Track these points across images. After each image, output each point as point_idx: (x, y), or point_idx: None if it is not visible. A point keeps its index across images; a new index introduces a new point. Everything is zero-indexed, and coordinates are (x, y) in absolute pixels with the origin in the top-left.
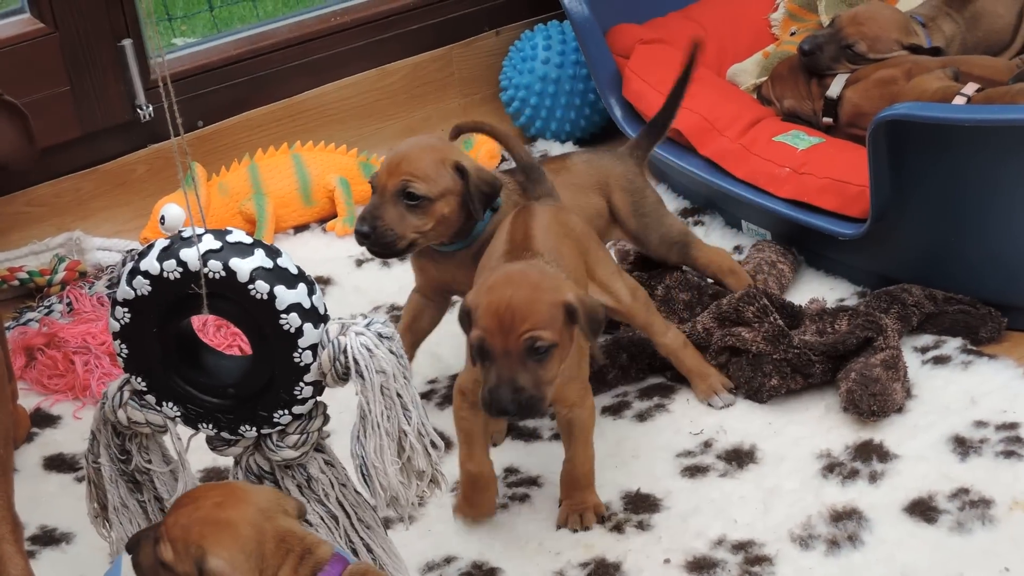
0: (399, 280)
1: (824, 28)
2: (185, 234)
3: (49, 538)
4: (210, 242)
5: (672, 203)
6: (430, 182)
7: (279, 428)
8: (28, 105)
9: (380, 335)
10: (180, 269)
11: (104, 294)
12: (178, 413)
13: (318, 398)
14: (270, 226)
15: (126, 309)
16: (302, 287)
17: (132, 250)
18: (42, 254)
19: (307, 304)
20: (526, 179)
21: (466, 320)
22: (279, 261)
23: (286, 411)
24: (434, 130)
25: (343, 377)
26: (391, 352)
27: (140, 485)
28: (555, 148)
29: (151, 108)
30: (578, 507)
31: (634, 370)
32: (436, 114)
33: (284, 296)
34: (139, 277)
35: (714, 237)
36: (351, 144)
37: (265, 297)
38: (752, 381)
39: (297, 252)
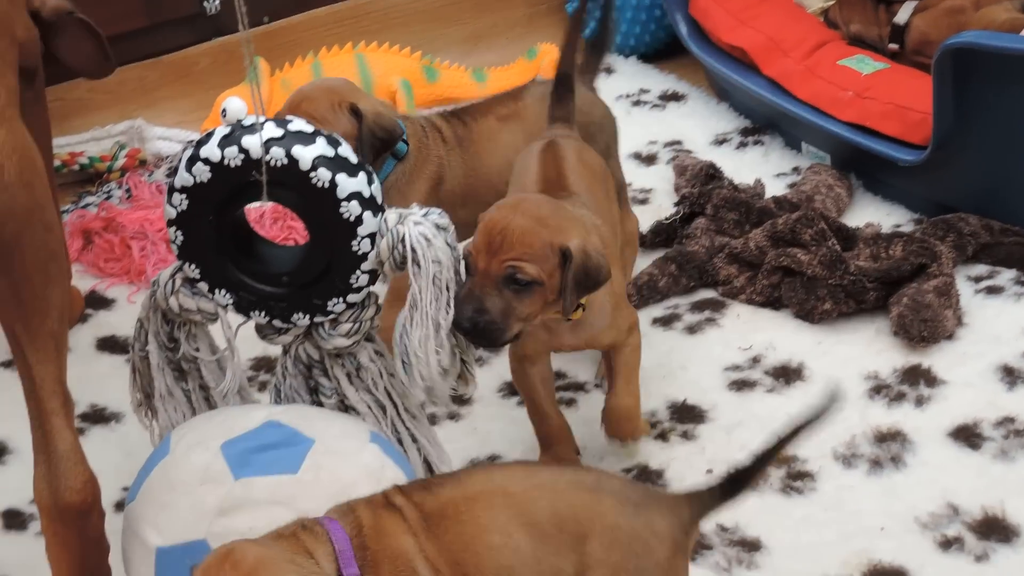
0: None
1: None
2: (247, 122)
3: (99, 416)
4: (272, 130)
5: (733, 122)
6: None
7: (332, 317)
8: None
9: (437, 225)
10: (242, 156)
11: (163, 182)
12: (230, 301)
13: (372, 287)
14: None
15: (184, 195)
16: (362, 176)
17: (192, 140)
18: (103, 140)
19: (367, 193)
20: (553, 90)
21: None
22: (340, 150)
23: (340, 299)
24: (498, 40)
25: (400, 266)
26: (447, 244)
27: (185, 374)
28: (618, 62)
29: (217, 1)
30: (623, 438)
31: (684, 279)
32: (502, 22)
33: (345, 184)
34: (199, 164)
35: (773, 158)
36: (415, 47)
37: (326, 185)
38: (805, 303)
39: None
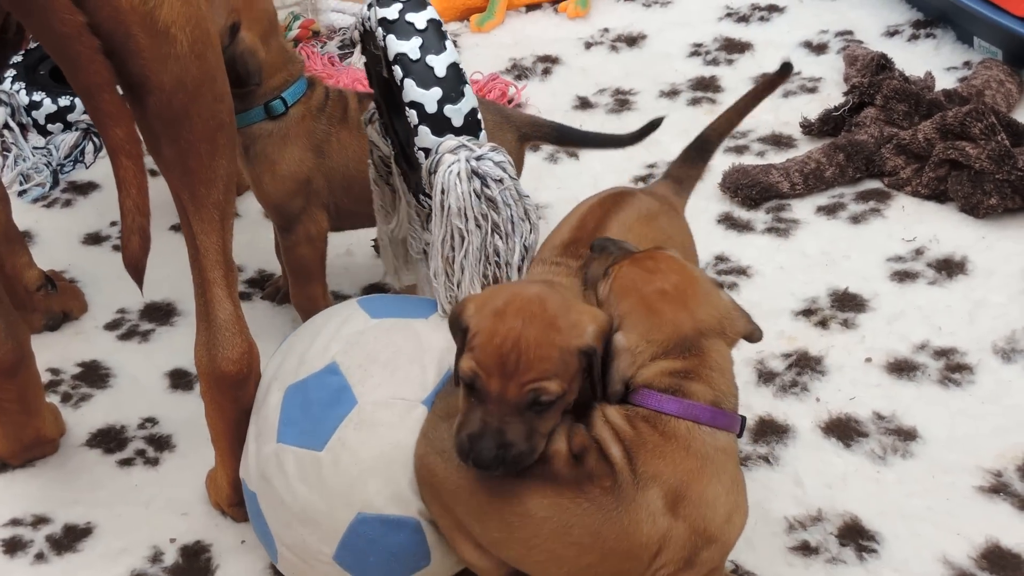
0: (626, 65)
1: None
2: None
3: (266, 282)
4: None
5: (904, 14)
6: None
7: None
8: None
9: (475, 172)
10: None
11: (335, 54)
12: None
13: None
14: (503, 2)
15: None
16: (435, 91)
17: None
18: (279, 11)
19: (432, 109)
20: (686, 148)
21: (458, 334)
22: (429, 59)
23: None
24: None
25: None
26: (472, 192)
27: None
28: None
29: None
30: None
31: (851, 169)
32: None
33: (410, 89)
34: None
35: (944, 51)
36: None
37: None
38: (971, 197)
39: (527, 30)
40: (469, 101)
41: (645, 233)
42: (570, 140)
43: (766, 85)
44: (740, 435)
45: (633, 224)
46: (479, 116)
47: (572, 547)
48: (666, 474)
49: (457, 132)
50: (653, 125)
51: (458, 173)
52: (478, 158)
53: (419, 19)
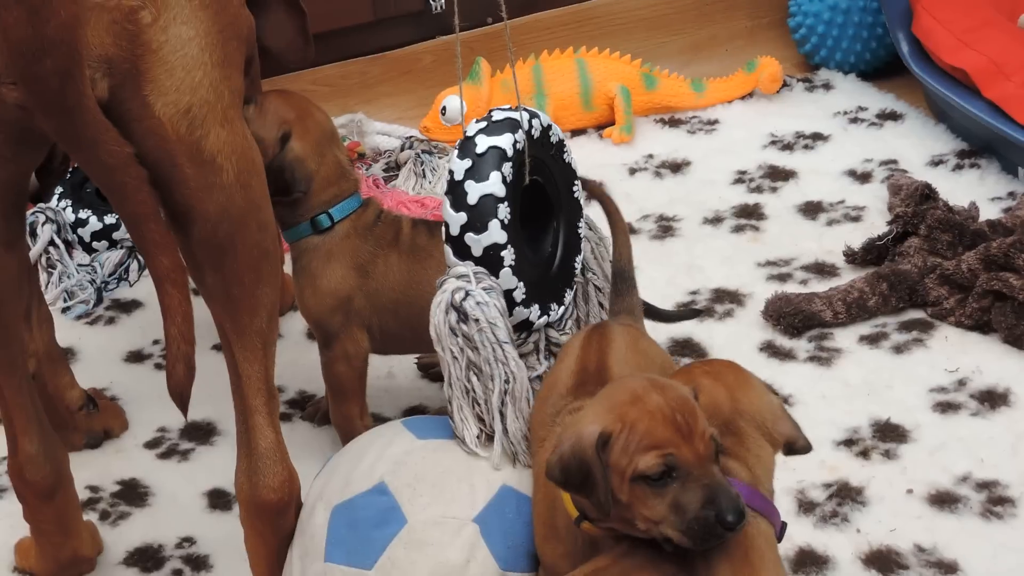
0: (670, 191)
1: None
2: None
3: (306, 404)
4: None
5: (950, 144)
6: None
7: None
8: None
9: (454, 306)
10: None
11: (380, 176)
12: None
13: None
14: None
15: None
16: (461, 215)
17: (411, 136)
18: None
19: (455, 232)
20: (613, 284)
21: (600, 453)
22: (468, 184)
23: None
24: (718, 51)
25: None
26: (448, 327)
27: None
28: (837, 79)
29: (442, 0)
30: None
31: (894, 299)
32: (723, 33)
33: (445, 211)
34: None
35: (989, 182)
36: (635, 54)
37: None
38: (1015, 328)
39: (574, 154)
40: (492, 236)
41: (637, 361)
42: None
43: (613, 211)
44: (780, 539)
45: (626, 354)
46: (503, 254)
47: None
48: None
49: (476, 261)
50: (693, 313)
51: (439, 303)
52: (466, 294)
53: (485, 142)
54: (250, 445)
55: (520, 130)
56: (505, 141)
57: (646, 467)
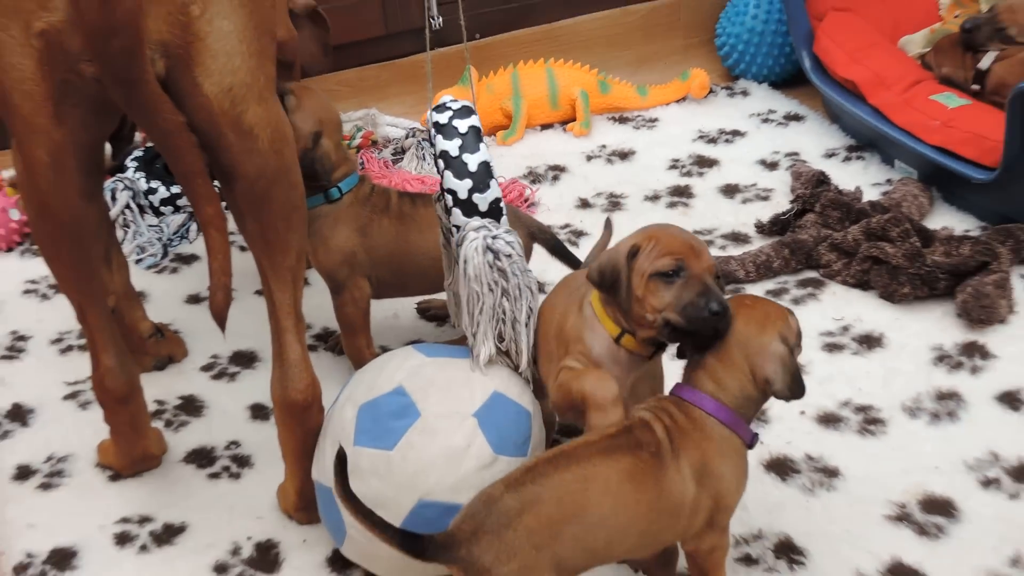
0: (619, 175)
1: (983, 13)
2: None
3: (328, 337)
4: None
5: (840, 140)
6: None
7: None
8: (343, 8)
9: (488, 247)
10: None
11: (389, 159)
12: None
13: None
14: (523, 122)
15: None
16: (467, 182)
17: (414, 128)
18: (345, 124)
19: (463, 196)
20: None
21: (629, 261)
22: (465, 156)
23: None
24: (658, 63)
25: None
26: (487, 264)
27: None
28: (753, 87)
29: (441, 19)
30: None
31: (794, 262)
32: (663, 49)
33: (449, 181)
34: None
35: (871, 171)
36: (593, 65)
37: (439, 164)
38: (888, 287)
39: (541, 145)
40: (493, 192)
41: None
42: (558, 254)
43: (606, 238)
44: (751, 447)
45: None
46: (501, 204)
47: (625, 502)
48: (693, 452)
49: (483, 215)
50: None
51: (476, 247)
52: (494, 237)
53: (463, 125)
54: (282, 357)
55: (474, 113)
56: (475, 120)
57: (662, 265)
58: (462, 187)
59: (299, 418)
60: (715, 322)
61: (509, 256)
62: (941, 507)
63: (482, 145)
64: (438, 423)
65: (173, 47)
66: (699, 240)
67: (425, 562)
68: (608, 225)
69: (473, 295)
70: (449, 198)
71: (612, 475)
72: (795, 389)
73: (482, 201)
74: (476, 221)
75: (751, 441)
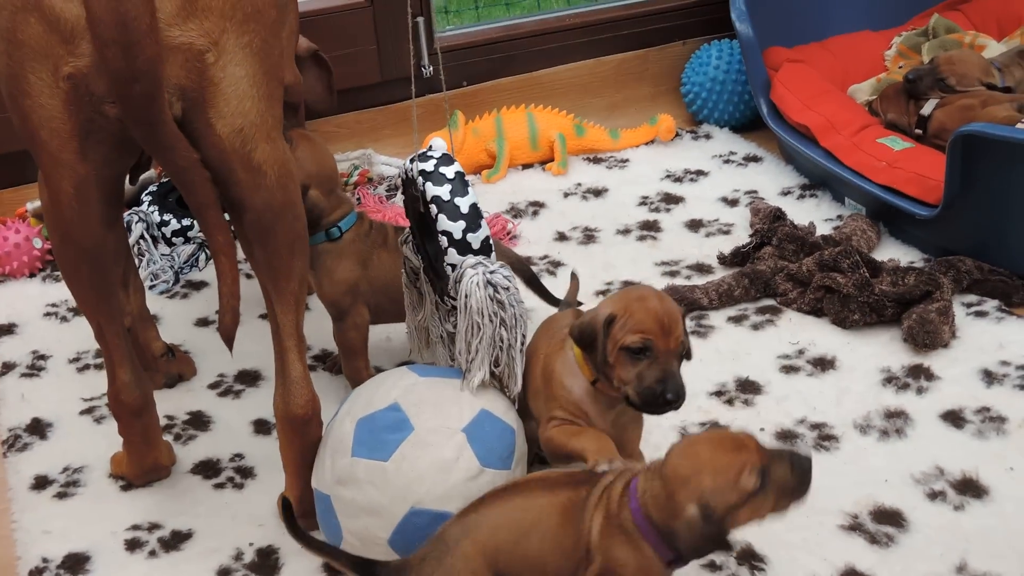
0: (593, 210)
1: (925, 64)
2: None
3: (327, 358)
4: (426, 162)
5: (795, 179)
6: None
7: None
8: (343, 57)
9: (488, 281)
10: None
11: (383, 195)
12: (420, 261)
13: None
14: (505, 162)
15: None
16: (460, 223)
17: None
18: (343, 162)
19: (458, 236)
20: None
21: (605, 328)
22: (456, 200)
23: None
24: (629, 109)
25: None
26: (487, 296)
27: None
28: (715, 131)
29: (431, 68)
30: None
31: (753, 291)
32: (632, 96)
33: (444, 224)
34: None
35: (823, 207)
36: (569, 110)
37: (434, 216)
38: (840, 314)
39: (522, 183)
40: (484, 231)
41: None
42: (532, 286)
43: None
44: (670, 565)
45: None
46: (491, 242)
47: (564, 544)
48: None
49: (476, 253)
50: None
51: (477, 282)
52: (491, 272)
53: (449, 171)
54: (284, 374)
55: (455, 161)
56: (458, 166)
57: (630, 341)
58: (456, 228)
59: (300, 431)
60: (667, 410)
61: (507, 288)
62: (891, 517)
63: (470, 188)
64: (429, 437)
65: (190, 91)
66: (673, 312)
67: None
68: (574, 277)
69: (473, 326)
70: (444, 239)
71: (547, 508)
72: (700, 551)
73: (475, 240)
74: (471, 259)
75: (669, 560)
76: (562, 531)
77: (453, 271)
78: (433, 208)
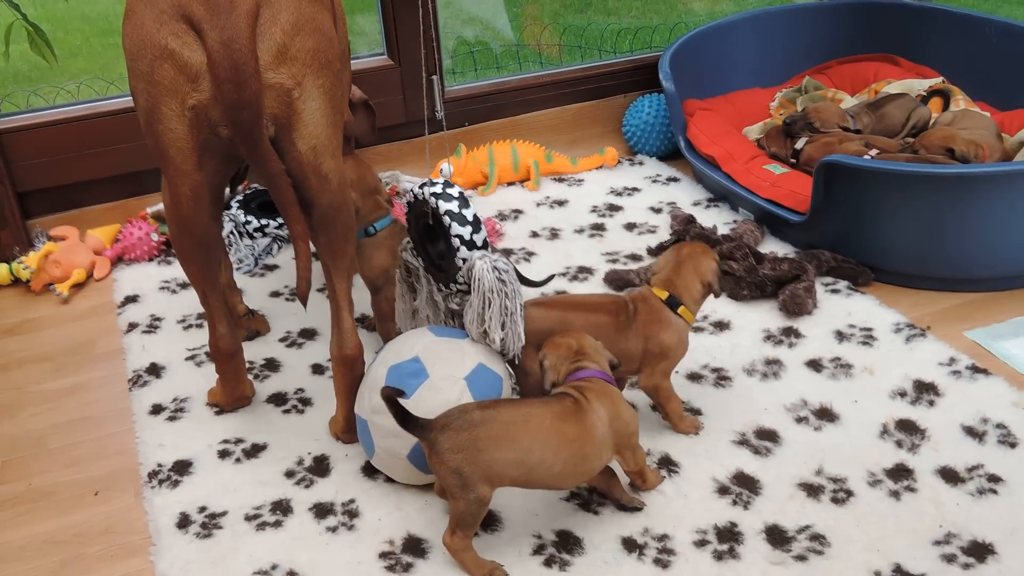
0: (557, 216)
1: (798, 112)
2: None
3: (365, 320)
4: (438, 186)
5: (704, 194)
6: None
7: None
8: (378, 104)
9: (495, 267)
10: (422, 194)
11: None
12: (421, 264)
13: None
14: (495, 181)
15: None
16: (468, 227)
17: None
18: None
19: (467, 238)
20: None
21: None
22: (463, 211)
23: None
24: (584, 143)
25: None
26: (497, 278)
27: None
28: (647, 160)
29: (443, 112)
30: None
31: None
32: (588, 134)
33: (455, 229)
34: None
35: (723, 214)
36: (541, 143)
37: (447, 224)
38: (734, 290)
39: (507, 196)
40: (484, 233)
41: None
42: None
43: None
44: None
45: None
46: (487, 240)
47: (559, 438)
48: (603, 403)
49: (480, 248)
50: (550, 278)
51: (486, 268)
52: (495, 260)
53: (454, 192)
54: (339, 326)
55: (455, 185)
56: (459, 189)
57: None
58: (466, 232)
59: (349, 367)
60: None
61: (507, 271)
62: (769, 435)
63: (471, 203)
64: (440, 383)
65: (280, 118)
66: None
67: (408, 433)
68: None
69: (485, 301)
70: (457, 240)
71: (545, 416)
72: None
73: (478, 239)
74: (478, 252)
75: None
76: (565, 429)
77: (465, 263)
78: (446, 219)
